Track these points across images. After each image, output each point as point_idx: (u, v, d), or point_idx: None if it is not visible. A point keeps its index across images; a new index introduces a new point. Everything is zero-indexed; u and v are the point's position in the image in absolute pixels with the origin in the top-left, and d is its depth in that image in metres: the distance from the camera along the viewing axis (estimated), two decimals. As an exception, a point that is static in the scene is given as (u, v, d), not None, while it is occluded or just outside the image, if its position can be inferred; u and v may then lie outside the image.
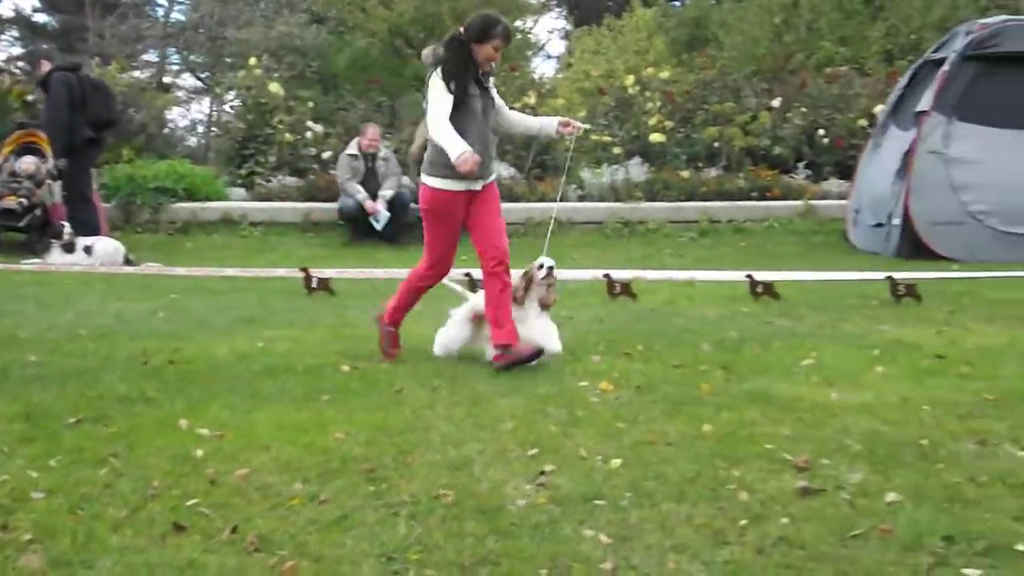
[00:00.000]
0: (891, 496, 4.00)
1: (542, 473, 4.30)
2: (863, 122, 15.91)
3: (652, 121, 16.28)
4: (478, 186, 6.37)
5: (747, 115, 16.35)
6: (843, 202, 14.29)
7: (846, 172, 15.21)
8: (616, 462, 4.44)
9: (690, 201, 14.90)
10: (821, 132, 16.15)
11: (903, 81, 13.66)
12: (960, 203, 11.90)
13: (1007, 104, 12.02)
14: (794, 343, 7.11)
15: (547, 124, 6.75)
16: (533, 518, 3.80)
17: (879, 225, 12.60)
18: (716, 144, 15.95)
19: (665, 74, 17.51)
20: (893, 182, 12.36)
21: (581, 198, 15.10)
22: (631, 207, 14.61)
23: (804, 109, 16.42)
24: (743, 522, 3.75)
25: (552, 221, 7.59)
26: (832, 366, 6.36)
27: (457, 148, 6.00)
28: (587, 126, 7.60)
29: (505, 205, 14.31)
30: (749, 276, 9.31)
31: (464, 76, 6.17)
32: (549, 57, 44.05)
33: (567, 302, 9.11)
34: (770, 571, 3.33)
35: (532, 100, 16.61)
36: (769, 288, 9.12)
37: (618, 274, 9.73)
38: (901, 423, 5.06)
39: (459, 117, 6.15)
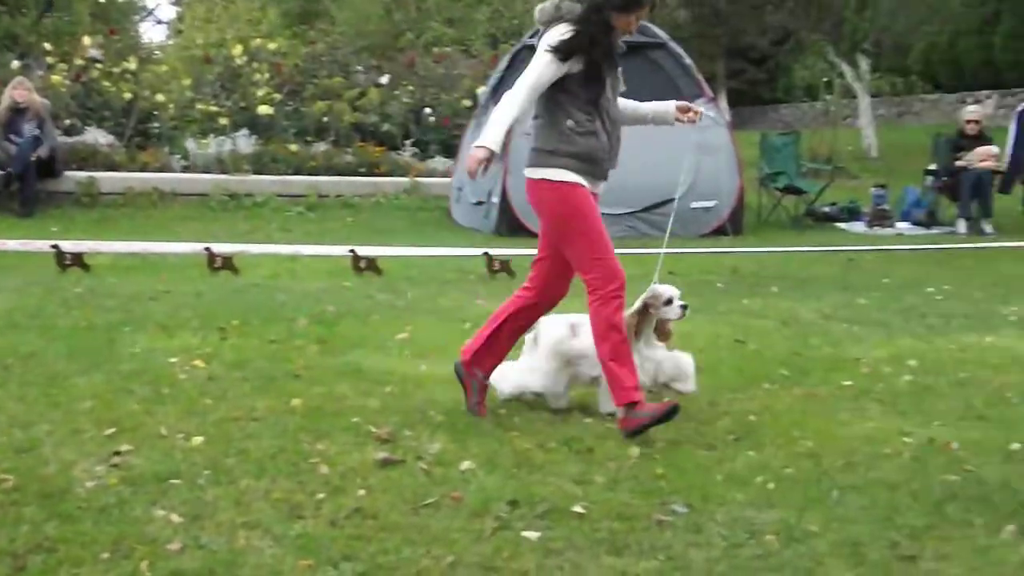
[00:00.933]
0: (466, 464, 4.15)
1: (117, 453, 4.13)
2: (467, 102, 16.39)
3: (260, 93, 16.03)
4: (600, 188, 4.91)
5: (356, 91, 16.43)
6: (447, 180, 14.68)
7: (450, 150, 15.65)
8: (198, 439, 4.34)
9: (298, 175, 14.80)
10: (428, 111, 16.49)
11: (503, 64, 14.16)
12: (553, 183, 12.48)
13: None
14: (391, 317, 7.23)
15: (662, 110, 5.18)
16: (101, 500, 3.64)
17: (480, 203, 13.04)
18: (325, 119, 15.93)
19: (274, 45, 17.29)
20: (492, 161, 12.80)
21: (185, 169, 14.64)
22: (238, 179, 14.31)
23: (412, 87, 16.71)
24: (321, 495, 3.76)
25: (668, 230, 5.71)
26: (425, 340, 6.50)
27: (483, 136, 4.73)
28: (711, 113, 6.17)
29: (102, 175, 13.88)
30: (352, 251, 9.38)
31: (599, 49, 4.73)
32: (159, 23, 42.37)
33: (167, 276, 8.83)
34: (340, 542, 3.36)
35: (133, 66, 15.91)
36: (372, 263, 9.23)
37: (221, 248, 9.52)
38: (484, 393, 5.26)
39: (589, 96, 4.76)
